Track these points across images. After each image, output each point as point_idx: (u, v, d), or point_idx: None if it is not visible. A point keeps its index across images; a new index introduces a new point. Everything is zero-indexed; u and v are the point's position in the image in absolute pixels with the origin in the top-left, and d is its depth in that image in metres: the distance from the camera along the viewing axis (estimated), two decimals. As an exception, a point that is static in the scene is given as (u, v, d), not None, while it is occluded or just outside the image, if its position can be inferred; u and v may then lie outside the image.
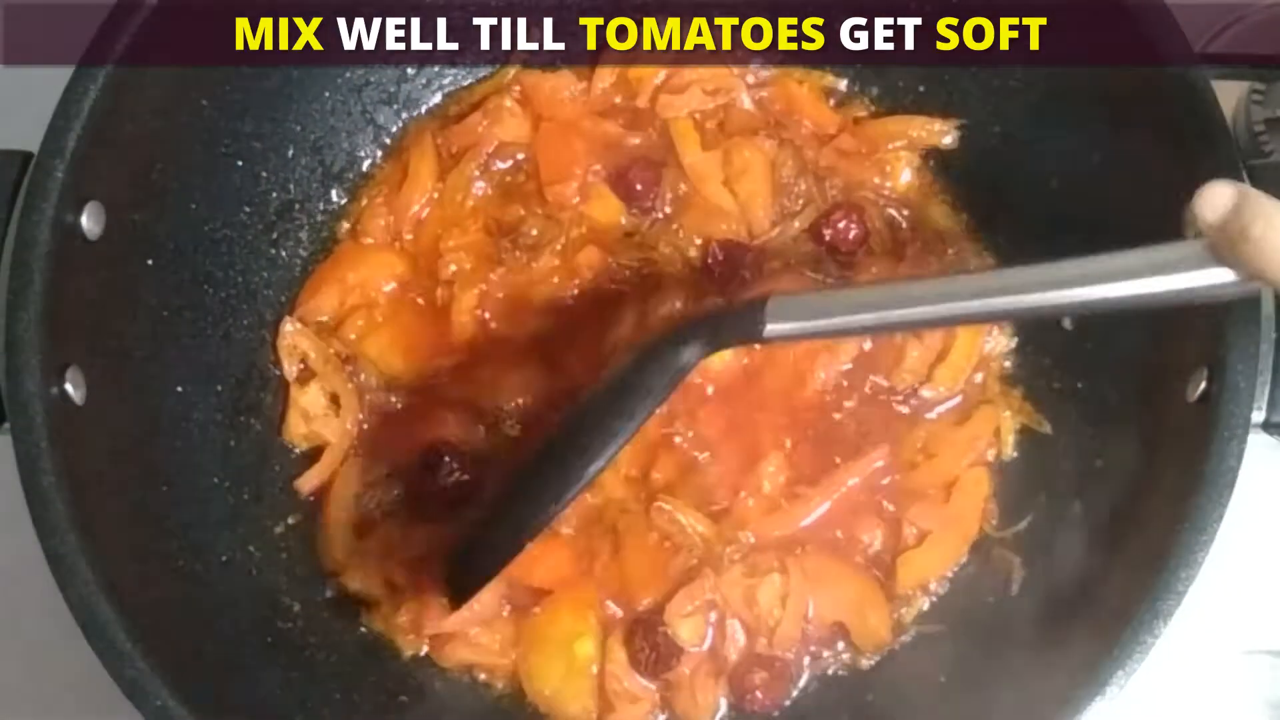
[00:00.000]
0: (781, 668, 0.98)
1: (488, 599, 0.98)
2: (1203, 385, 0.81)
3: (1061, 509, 0.97)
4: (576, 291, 1.06)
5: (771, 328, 0.80)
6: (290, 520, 1.03)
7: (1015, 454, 1.03)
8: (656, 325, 1.01)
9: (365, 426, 1.05)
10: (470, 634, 0.99)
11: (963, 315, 0.79)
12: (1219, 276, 0.66)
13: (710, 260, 1.06)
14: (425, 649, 1.00)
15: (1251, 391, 0.80)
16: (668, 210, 1.09)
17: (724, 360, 1.02)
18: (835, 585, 0.99)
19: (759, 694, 0.97)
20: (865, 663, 0.99)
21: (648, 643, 0.97)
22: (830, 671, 1.00)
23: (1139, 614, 0.78)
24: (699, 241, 1.07)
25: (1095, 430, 0.96)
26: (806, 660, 1.00)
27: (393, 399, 1.05)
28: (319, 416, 1.05)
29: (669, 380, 0.85)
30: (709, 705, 0.98)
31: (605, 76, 1.12)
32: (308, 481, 1.04)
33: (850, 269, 1.07)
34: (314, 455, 1.05)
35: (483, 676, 1.00)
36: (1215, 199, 0.65)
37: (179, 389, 0.97)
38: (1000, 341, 1.05)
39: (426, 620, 0.99)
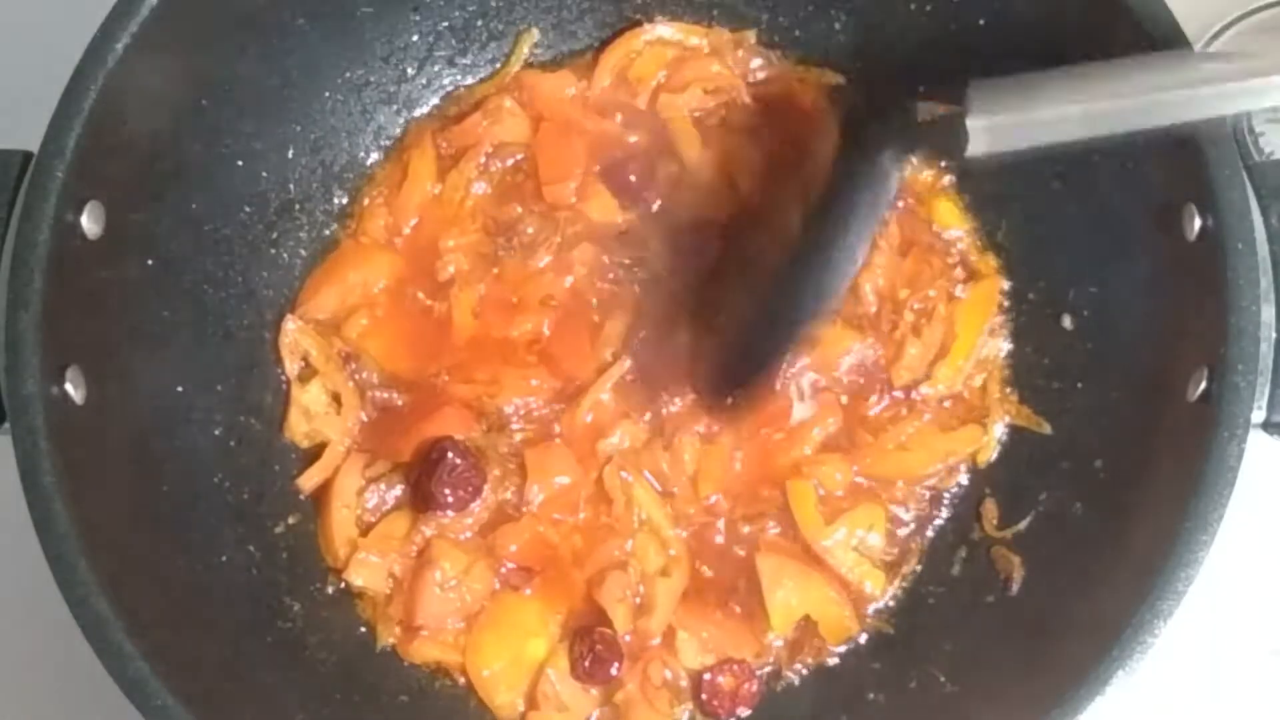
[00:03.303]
0: (743, 670, 0.99)
1: (478, 588, 0.99)
2: (1203, 385, 0.81)
3: (1061, 509, 0.97)
4: (571, 289, 1.06)
5: (977, 121, 0.75)
6: (290, 520, 1.03)
7: (1014, 454, 1.03)
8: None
9: (367, 424, 1.05)
10: (436, 632, 1.00)
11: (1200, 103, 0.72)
12: None
13: (678, 234, 1.06)
14: (392, 642, 1.01)
15: (1251, 391, 0.80)
16: (662, 205, 1.09)
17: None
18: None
19: (724, 700, 0.98)
20: (832, 661, 1.00)
21: (585, 645, 0.98)
22: (807, 671, 1.01)
23: (1139, 614, 0.78)
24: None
25: (1095, 430, 0.96)
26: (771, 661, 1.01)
27: (394, 396, 1.06)
28: (320, 414, 1.05)
29: (880, 193, 0.85)
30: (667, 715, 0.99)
31: (605, 76, 1.12)
32: (309, 479, 1.04)
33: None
34: (315, 453, 1.05)
35: (463, 679, 1.00)
36: None
37: (179, 389, 0.97)
38: (1001, 348, 1.05)
39: (415, 613, 0.99)
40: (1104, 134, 0.74)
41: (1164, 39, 0.85)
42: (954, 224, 1.07)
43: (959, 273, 1.06)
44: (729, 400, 0.98)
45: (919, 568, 1.03)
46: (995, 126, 0.76)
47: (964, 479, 1.04)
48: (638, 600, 1.00)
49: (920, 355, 1.04)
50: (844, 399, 1.04)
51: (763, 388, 0.97)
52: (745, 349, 0.95)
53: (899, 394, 1.04)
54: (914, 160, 0.84)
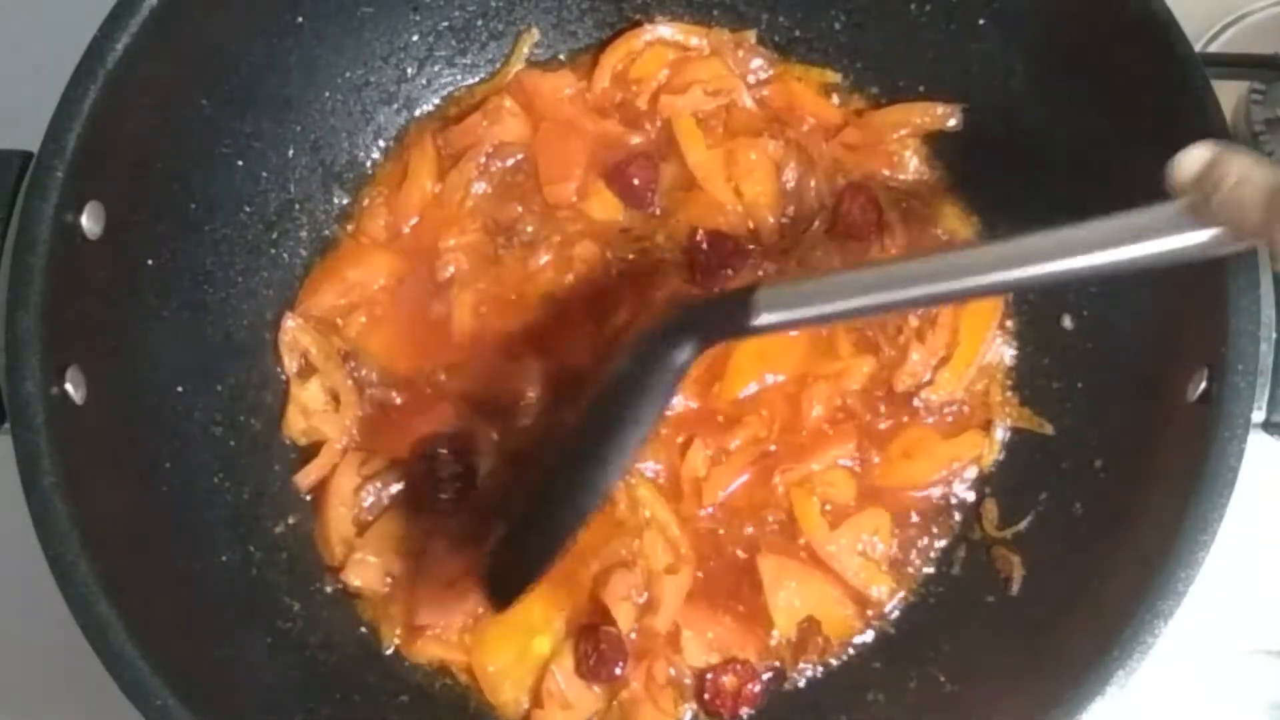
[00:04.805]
0: (746, 669, 0.99)
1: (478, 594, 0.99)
2: (1203, 385, 0.81)
3: (1061, 509, 0.97)
4: (572, 286, 1.06)
5: (762, 319, 0.80)
6: (290, 520, 1.03)
7: (1015, 454, 1.03)
8: (645, 323, 0.99)
9: (365, 421, 1.05)
10: (439, 631, 0.99)
11: (954, 292, 0.78)
12: (1198, 237, 0.66)
13: (695, 250, 1.06)
14: (397, 643, 1.01)
15: (1251, 391, 0.80)
16: (665, 205, 1.09)
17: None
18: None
19: (727, 700, 0.98)
20: (833, 661, 1.00)
21: (590, 644, 0.98)
22: (812, 672, 1.01)
23: (1139, 614, 0.78)
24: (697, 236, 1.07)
25: (1095, 430, 0.96)
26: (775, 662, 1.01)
27: (393, 394, 1.06)
28: (318, 412, 1.05)
29: (670, 380, 0.85)
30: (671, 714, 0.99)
31: (605, 76, 1.12)
32: (307, 476, 1.04)
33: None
34: (312, 451, 1.05)
35: (464, 678, 1.00)
36: (1190, 158, 0.66)
37: (179, 389, 0.97)
38: (1003, 351, 1.05)
39: (418, 612, 0.99)
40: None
41: (1163, 37, 0.86)
42: (959, 227, 1.07)
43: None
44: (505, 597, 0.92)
45: (924, 570, 1.03)
46: (780, 321, 0.81)
47: (966, 480, 1.04)
48: (643, 599, 1.00)
49: (923, 361, 1.04)
50: (860, 411, 1.04)
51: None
52: (527, 546, 0.90)
53: (899, 399, 1.04)
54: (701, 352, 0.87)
